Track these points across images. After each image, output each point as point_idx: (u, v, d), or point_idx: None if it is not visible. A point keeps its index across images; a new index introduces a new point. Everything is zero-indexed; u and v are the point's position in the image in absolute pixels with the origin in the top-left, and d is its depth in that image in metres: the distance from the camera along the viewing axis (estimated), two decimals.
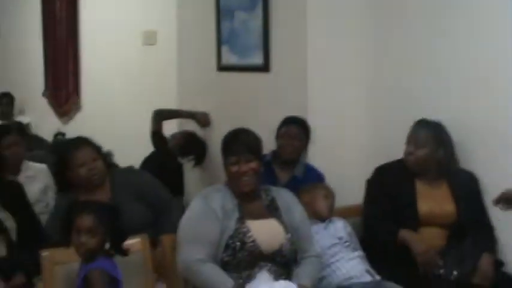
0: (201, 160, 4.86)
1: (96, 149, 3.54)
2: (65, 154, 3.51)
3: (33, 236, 3.32)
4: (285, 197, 3.14)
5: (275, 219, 3.05)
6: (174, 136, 4.87)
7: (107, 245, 2.70)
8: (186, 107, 4.94)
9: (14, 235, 3.28)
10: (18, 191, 3.48)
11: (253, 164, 3.01)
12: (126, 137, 6.11)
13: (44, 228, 3.56)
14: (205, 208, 2.97)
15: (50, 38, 7.41)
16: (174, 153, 4.79)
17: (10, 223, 3.27)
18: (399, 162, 3.65)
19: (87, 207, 2.70)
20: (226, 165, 3.04)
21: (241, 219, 2.97)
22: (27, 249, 3.21)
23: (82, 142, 3.54)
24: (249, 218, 2.99)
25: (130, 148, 5.75)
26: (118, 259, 2.78)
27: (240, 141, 3.03)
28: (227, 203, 2.99)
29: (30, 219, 3.42)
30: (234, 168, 3.00)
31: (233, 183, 3.04)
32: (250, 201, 3.05)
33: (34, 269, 3.10)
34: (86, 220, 2.64)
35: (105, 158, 3.62)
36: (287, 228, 3.04)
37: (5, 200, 3.31)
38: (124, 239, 2.76)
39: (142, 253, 3.09)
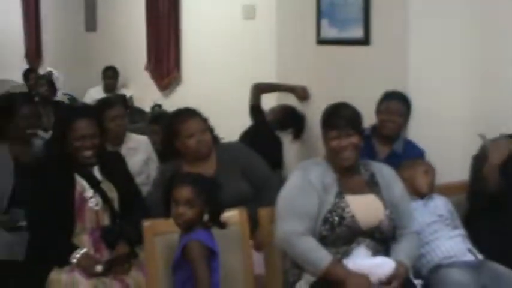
0: (299, 134, 4.84)
1: (204, 121, 3.61)
2: (175, 123, 3.58)
3: (135, 206, 3.40)
4: (384, 173, 3.08)
5: (374, 194, 3.01)
6: (272, 110, 4.86)
7: (205, 217, 2.73)
8: (284, 81, 4.91)
9: (116, 205, 3.37)
10: (121, 162, 3.57)
11: (353, 139, 2.96)
12: (225, 111, 6.15)
13: (146, 199, 3.65)
14: (304, 181, 2.94)
15: (152, 13, 7.54)
16: (273, 126, 4.79)
17: (113, 194, 3.36)
18: (508, 137, 3.50)
19: (186, 179, 2.74)
20: (326, 139, 3.00)
21: (340, 194, 2.94)
22: (129, 220, 3.30)
23: (192, 113, 3.62)
24: (348, 193, 2.96)
25: (229, 122, 5.80)
26: (216, 232, 2.81)
27: (341, 115, 2.98)
28: (326, 177, 2.96)
29: (133, 190, 3.50)
30: (334, 143, 2.96)
31: (333, 157, 3.00)
32: (350, 176, 3.01)
33: (137, 239, 3.18)
34: (185, 191, 2.68)
35: (212, 131, 3.66)
36: (386, 204, 2.99)
37: (108, 171, 3.40)
38: (222, 212, 2.78)
39: (240, 226, 3.11)
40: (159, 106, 6.05)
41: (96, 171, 3.38)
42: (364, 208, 2.94)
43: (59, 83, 7.44)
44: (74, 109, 3.68)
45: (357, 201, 2.94)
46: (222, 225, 2.80)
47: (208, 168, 3.52)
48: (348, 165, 2.99)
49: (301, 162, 3.18)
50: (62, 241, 3.23)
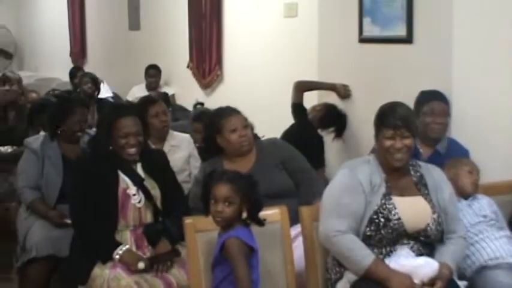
0: (341, 132, 4.81)
1: (245, 118, 3.64)
2: (218, 119, 3.61)
3: (177, 204, 3.41)
4: (434, 175, 3.02)
5: (422, 197, 2.95)
6: (314, 108, 4.84)
7: (244, 215, 2.72)
8: (326, 79, 4.89)
9: (159, 203, 3.38)
10: (164, 159, 3.58)
11: (408, 141, 2.89)
12: (266, 109, 6.15)
13: (188, 196, 3.67)
14: (351, 180, 2.89)
15: (195, 12, 7.56)
16: (314, 125, 4.77)
17: (156, 191, 3.38)
18: None
19: (224, 177, 2.74)
20: (380, 137, 2.92)
21: (387, 195, 2.89)
22: (171, 217, 3.32)
23: (234, 110, 3.67)
24: (396, 194, 2.91)
25: (271, 120, 5.79)
26: (257, 229, 2.81)
27: (398, 115, 2.90)
28: (374, 177, 2.91)
29: (175, 188, 3.51)
30: (388, 143, 2.89)
31: (384, 157, 2.93)
32: (399, 176, 2.96)
33: (178, 237, 3.20)
34: (223, 189, 2.69)
35: (252, 128, 3.68)
36: (434, 207, 2.93)
37: (151, 169, 3.41)
38: (260, 209, 2.77)
39: (281, 224, 3.10)
40: (202, 104, 6.06)
41: (139, 169, 3.40)
42: (411, 211, 2.89)
43: (103, 87, 7.51)
44: (119, 107, 3.68)
45: (404, 203, 2.89)
46: (261, 223, 2.79)
47: (248, 164, 3.56)
48: (398, 166, 2.93)
49: (349, 160, 3.13)
50: (105, 237, 3.25)
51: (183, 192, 3.64)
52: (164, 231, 3.30)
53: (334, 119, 4.79)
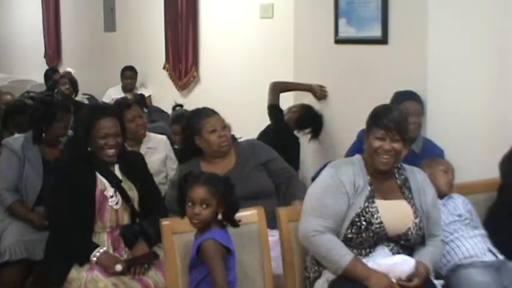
0: (317, 133, 4.81)
1: (223, 119, 3.65)
2: (197, 120, 3.61)
3: (154, 206, 3.40)
4: (418, 178, 3.02)
5: (406, 200, 2.95)
6: (290, 109, 4.84)
7: (219, 216, 2.73)
8: (302, 80, 4.89)
9: (136, 205, 3.37)
10: (141, 161, 3.57)
11: (397, 145, 2.89)
12: (243, 110, 6.14)
13: (165, 198, 3.65)
14: (335, 181, 2.89)
15: (170, 13, 7.53)
16: (291, 126, 4.77)
17: (133, 193, 3.36)
18: None
19: (201, 179, 2.73)
20: (370, 137, 2.92)
21: (370, 198, 2.89)
22: (149, 219, 3.30)
23: (212, 110, 3.67)
24: (379, 197, 2.91)
25: (247, 121, 5.79)
26: (234, 230, 2.80)
27: (391, 117, 2.90)
28: (358, 179, 2.90)
29: (152, 190, 3.50)
30: (377, 144, 2.89)
31: (371, 157, 2.93)
32: (383, 179, 2.96)
33: (156, 239, 3.19)
34: (200, 192, 2.68)
35: (230, 129, 3.68)
36: (417, 211, 2.94)
37: (129, 170, 3.40)
38: (236, 211, 2.77)
39: (258, 224, 3.10)
40: (181, 106, 6.05)
41: (117, 170, 3.38)
42: (394, 215, 2.89)
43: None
44: (98, 108, 3.65)
45: (387, 207, 2.89)
46: (235, 224, 2.79)
47: (227, 165, 3.57)
48: (384, 169, 2.93)
49: (336, 160, 3.13)
50: (82, 239, 3.23)
51: (160, 194, 3.63)
52: (141, 233, 3.28)
53: (311, 120, 4.79)
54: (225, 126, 3.61)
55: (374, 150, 2.89)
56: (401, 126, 2.91)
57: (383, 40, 4.18)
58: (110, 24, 8.95)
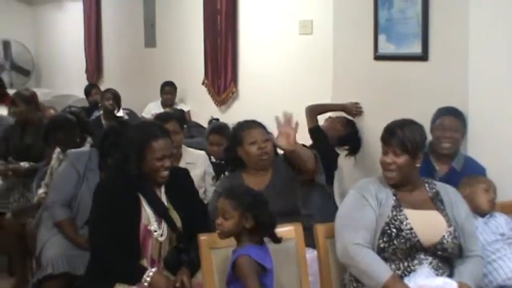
0: (356, 151, 4.79)
1: (268, 132, 3.65)
2: (240, 131, 3.64)
3: (201, 227, 3.20)
4: (450, 193, 3.05)
5: (438, 211, 2.97)
6: (334, 125, 4.80)
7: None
8: (340, 96, 4.89)
9: (182, 230, 3.25)
10: (187, 179, 3.44)
11: (399, 159, 2.95)
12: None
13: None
14: (359, 199, 2.97)
15: (210, 29, 7.59)
16: (332, 143, 4.75)
17: (178, 223, 3.25)
18: None
19: (227, 192, 2.81)
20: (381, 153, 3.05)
21: (397, 207, 2.93)
22: (194, 244, 3.08)
23: (256, 122, 3.69)
24: (407, 207, 2.95)
25: None
26: (272, 246, 2.81)
27: (395, 133, 2.98)
28: (380, 193, 2.97)
29: (198, 210, 3.36)
30: (381, 158, 3.01)
31: (383, 172, 3.03)
32: (409, 191, 3.01)
33: (199, 265, 3.04)
34: (221, 203, 2.76)
35: (274, 143, 3.67)
36: (450, 221, 2.94)
37: (176, 194, 3.27)
38: (273, 227, 2.77)
39: (296, 241, 3.10)
40: (217, 120, 6.09)
41: (163, 194, 3.27)
42: (425, 222, 2.91)
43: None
44: (151, 127, 3.42)
45: (417, 216, 2.92)
46: (276, 240, 2.80)
47: (264, 180, 3.58)
48: (391, 184, 2.99)
49: (357, 183, 3.15)
50: (127, 264, 3.13)
51: (206, 214, 3.44)
52: (185, 262, 3.18)
53: (352, 138, 4.77)
54: (267, 139, 3.60)
55: (381, 165, 3.02)
56: (406, 140, 2.95)
57: (423, 57, 4.15)
58: (150, 40, 9.05)
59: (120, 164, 3.25)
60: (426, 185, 3.04)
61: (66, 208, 3.89)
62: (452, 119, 3.81)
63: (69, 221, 3.86)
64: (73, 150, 4.16)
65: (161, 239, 3.20)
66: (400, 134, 2.97)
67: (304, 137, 4.81)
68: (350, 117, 4.80)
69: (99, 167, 3.91)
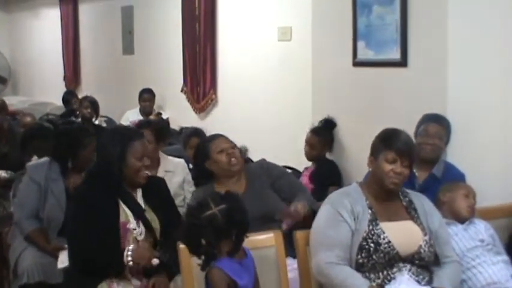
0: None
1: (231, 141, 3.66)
2: (204, 145, 3.67)
3: (175, 233, 3.16)
4: (422, 201, 3.05)
5: (412, 221, 2.96)
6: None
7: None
8: (321, 102, 4.90)
9: (158, 234, 3.28)
10: (163, 188, 3.49)
11: (406, 171, 2.93)
12: (262, 133, 6.14)
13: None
14: (333, 214, 2.92)
15: (188, 36, 7.58)
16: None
17: (155, 224, 3.27)
18: None
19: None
20: (380, 160, 2.94)
21: (373, 221, 2.91)
22: (170, 249, 3.12)
23: (220, 134, 3.71)
24: (383, 220, 2.92)
25: (265, 143, 5.78)
26: (252, 254, 2.77)
27: (404, 141, 2.95)
28: (356, 206, 2.92)
29: (174, 218, 3.37)
30: (389, 167, 2.91)
31: (379, 179, 2.94)
32: (386, 202, 2.98)
33: (177, 270, 3.07)
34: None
35: (242, 152, 3.68)
36: (425, 229, 2.94)
37: (152, 199, 3.32)
38: (244, 231, 2.69)
39: (276, 248, 3.09)
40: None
41: (140, 198, 3.31)
42: (402, 234, 2.89)
43: None
44: (129, 130, 3.62)
45: (393, 228, 2.90)
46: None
47: (238, 189, 3.54)
48: (393, 189, 2.95)
49: (330, 194, 3.13)
50: (108, 257, 3.12)
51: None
52: (164, 265, 3.16)
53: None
54: (234, 146, 3.63)
55: (385, 173, 2.91)
56: (412, 150, 2.95)
57: (402, 62, 4.17)
58: (128, 47, 9.02)
59: (100, 168, 3.27)
60: (400, 193, 3.02)
61: (33, 220, 3.86)
62: (436, 126, 3.83)
63: (37, 231, 3.84)
64: (31, 162, 4.15)
65: (140, 237, 3.21)
66: (410, 143, 2.96)
67: (281, 140, 4.81)
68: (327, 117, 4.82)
69: (62, 173, 3.89)
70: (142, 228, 3.24)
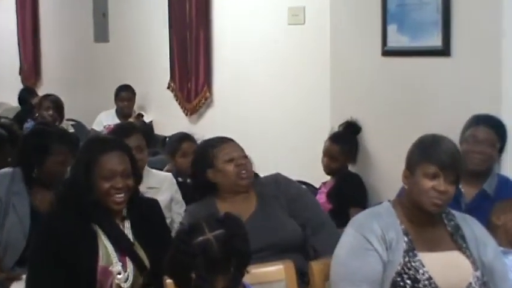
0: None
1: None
2: (210, 149, 3.62)
3: None
4: (472, 226, 3.01)
5: (460, 252, 2.94)
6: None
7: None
8: (341, 100, 4.92)
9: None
10: (158, 213, 3.42)
11: (451, 188, 2.88)
12: (267, 140, 6.14)
13: None
14: (358, 240, 2.90)
15: (177, 19, 7.58)
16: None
17: (147, 262, 3.21)
18: None
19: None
20: (418, 175, 2.90)
21: (410, 251, 2.89)
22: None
23: (229, 138, 3.68)
24: (423, 249, 2.90)
25: (273, 153, 5.77)
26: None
27: (448, 151, 2.90)
28: (389, 232, 2.90)
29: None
30: (429, 183, 2.88)
31: (418, 199, 2.91)
32: (426, 227, 2.96)
33: None
34: None
35: (251, 164, 3.67)
36: (476, 263, 2.92)
37: (142, 228, 3.24)
38: (247, 263, 2.68)
39: (286, 282, 3.09)
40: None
41: (128, 229, 3.23)
42: (446, 268, 2.87)
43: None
44: (100, 140, 3.52)
45: (436, 260, 2.88)
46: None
47: (247, 208, 3.56)
48: (434, 211, 2.91)
49: (356, 215, 3.12)
50: None
51: None
52: None
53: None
54: (246, 156, 3.62)
55: (424, 191, 2.89)
56: (458, 162, 2.92)
57: (444, 51, 4.19)
58: (101, 33, 9.04)
59: (67, 187, 3.24)
60: (443, 215, 3.00)
61: None
62: (487, 130, 3.83)
63: None
64: None
65: (125, 285, 3.14)
66: (455, 153, 2.93)
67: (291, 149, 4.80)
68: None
69: (26, 186, 3.90)
70: (130, 271, 3.15)
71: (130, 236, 3.22)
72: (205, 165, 3.61)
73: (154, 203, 3.49)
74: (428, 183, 2.88)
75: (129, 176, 3.19)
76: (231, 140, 3.69)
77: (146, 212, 3.32)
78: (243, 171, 3.57)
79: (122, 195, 3.16)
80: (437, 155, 2.89)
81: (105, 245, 3.15)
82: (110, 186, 3.13)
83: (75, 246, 3.08)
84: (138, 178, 3.31)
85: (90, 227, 3.15)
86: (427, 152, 2.92)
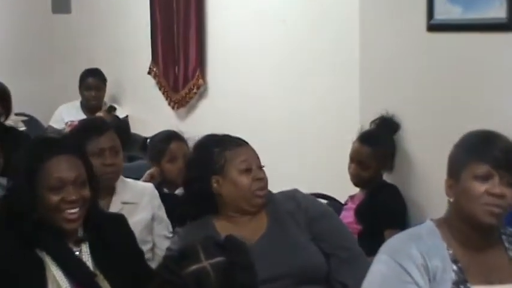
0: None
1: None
2: (221, 150, 3.61)
3: None
4: None
5: None
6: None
7: None
8: (373, 92, 4.96)
9: None
10: (125, 234, 3.43)
11: (509, 191, 2.88)
12: (274, 141, 6.12)
13: None
14: (393, 269, 2.92)
15: None
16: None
17: None
18: None
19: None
20: (465, 177, 2.92)
21: (461, 283, 2.89)
22: None
23: (240, 140, 3.69)
24: (478, 281, 2.91)
25: (282, 158, 5.76)
26: None
27: (500, 146, 2.91)
28: (434, 259, 2.92)
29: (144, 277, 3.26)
30: (482, 187, 2.88)
31: (465, 211, 2.92)
32: (484, 250, 2.97)
33: None
34: None
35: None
36: None
37: (105, 256, 3.24)
38: None
39: None
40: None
41: (86, 254, 3.23)
42: None
43: None
44: (48, 141, 3.48)
45: None
46: None
47: (255, 228, 3.58)
48: (487, 230, 2.92)
49: (390, 239, 3.13)
50: None
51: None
52: None
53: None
54: (262, 167, 3.63)
55: (475, 197, 2.89)
56: None
57: (509, 25, 4.21)
58: (61, 2, 9.06)
59: (6, 205, 3.22)
60: (503, 236, 3.03)
61: None
62: None
63: None
64: None
65: None
66: (510, 149, 2.93)
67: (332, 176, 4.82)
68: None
69: None
70: None
71: (89, 263, 3.21)
72: (209, 170, 3.59)
73: (119, 218, 3.49)
74: (480, 187, 2.88)
75: (84, 185, 3.17)
76: (247, 143, 3.69)
77: (110, 232, 3.31)
78: (261, 188, 3.58)
79: (76, 210, 3.14)
80: (490, 151, 2.90)
81: (55, 278, 3.14)
82: (59, 200, 3.11)
83: (15, 280, 3.08)
84: (96, 187, 3.28)
85: (35, 254, 3.14)
86: (476, 149, 2.94)
